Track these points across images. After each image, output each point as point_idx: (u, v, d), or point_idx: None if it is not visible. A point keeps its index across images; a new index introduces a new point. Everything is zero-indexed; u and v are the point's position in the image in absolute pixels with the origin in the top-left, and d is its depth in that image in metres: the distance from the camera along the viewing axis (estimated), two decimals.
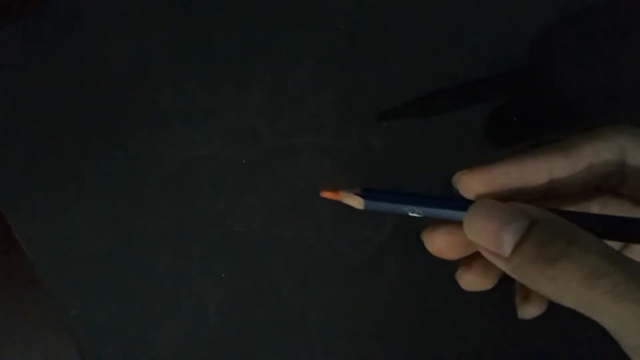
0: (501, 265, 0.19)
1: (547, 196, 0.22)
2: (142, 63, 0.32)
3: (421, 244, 0.31)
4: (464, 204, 0.21)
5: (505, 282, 0.24)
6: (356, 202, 0.23)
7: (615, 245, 0.23)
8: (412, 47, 0.32)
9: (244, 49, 0.32)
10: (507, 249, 0.18)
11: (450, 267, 0.31)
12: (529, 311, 0.25)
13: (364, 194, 0.23)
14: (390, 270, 0.31)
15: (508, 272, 0.19)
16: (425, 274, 0.31)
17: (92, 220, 0.32)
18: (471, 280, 0.24)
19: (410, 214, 0.22)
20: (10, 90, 0.32)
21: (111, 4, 0.32)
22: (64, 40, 0.32)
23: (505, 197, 0.21)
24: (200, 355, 0.31)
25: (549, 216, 0.19)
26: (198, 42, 0.32)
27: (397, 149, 0.31)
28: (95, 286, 0.31)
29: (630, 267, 0.17)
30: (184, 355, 0.31)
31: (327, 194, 0.24)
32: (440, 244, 0.24)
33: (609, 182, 0.22)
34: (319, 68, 0.32)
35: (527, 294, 0.25)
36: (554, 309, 0.23)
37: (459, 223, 0.21)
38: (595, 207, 0.23)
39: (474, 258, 0.24)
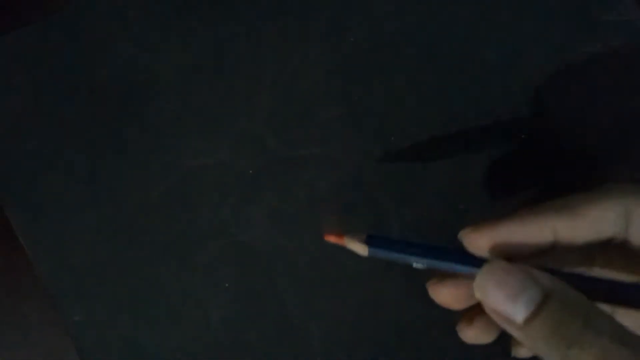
0: (511, 331, 0.19)
1: (552, 250, 0.22)
2: (151, 70, 0.32)
3: None
4: (471, 259, 0.22)
5: None
6: (360, 248, 0.23)
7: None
8: (422, 62, 0.32)
9: (253, 59, 0.32)
10: (519, 319, 0.18)
11: None
12: (522, 352, 0.26)
13: (368, 241, 0.23)
14: (394, 283, 0.31)
15: (517, 338, 0.19)
16: None
17: (96, 227, 0.32)
18: (472, 336, 0.25)
19: (415, 265, 0.22)
20: (17, 95, 0.32)
21: (120, 10, 0.33)
22: (72, 45, 0.32)
23: (511, 253, 0.21)
24: None
25: (562, 289, 0.19)
26: (207, 51, 0.32)
27: (404, 163, 0.32)
28: (99, 293, 0.31)
29: None
30: None
31: (331, 238, 0.24)
32: (446, 296, 0.24)
33: (614, 240, 0.22)
34: (328, 80, 0.32)
35: None
36: None
37: (465, 275, 0.22)
38: (599, 261, 0.24)
39: (476, 312, 0.24)
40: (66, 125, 0.32)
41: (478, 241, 0.22)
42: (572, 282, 0.19)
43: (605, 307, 0.22)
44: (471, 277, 0.21)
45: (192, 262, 0.31)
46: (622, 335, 0.17)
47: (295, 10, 0.32)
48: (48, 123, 0.32)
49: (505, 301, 0.19)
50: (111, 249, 0.31)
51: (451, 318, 0.30)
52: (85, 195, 0.32)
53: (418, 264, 0.22)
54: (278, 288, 0.31)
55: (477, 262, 0.22)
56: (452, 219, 0.31)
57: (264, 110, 0.32)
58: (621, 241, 0.22)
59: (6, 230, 0.32)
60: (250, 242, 0.31)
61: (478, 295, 0.20)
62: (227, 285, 0.31)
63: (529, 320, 0.18)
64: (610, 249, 0.23)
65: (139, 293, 0.31)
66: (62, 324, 0.31)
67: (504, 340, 0.27)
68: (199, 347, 0.31)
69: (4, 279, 0.32)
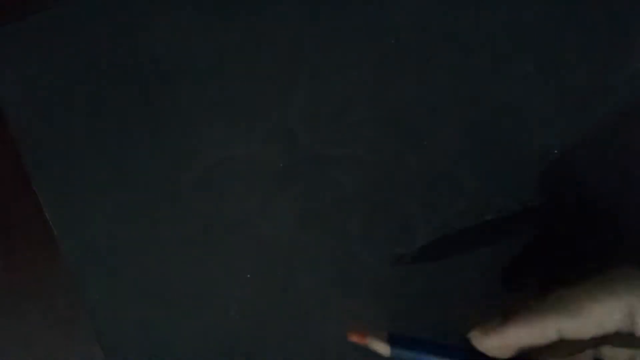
0: None
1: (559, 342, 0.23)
2: (189, 56, 0.32)
3: (449, 261, 0.31)
4: None
5: None
6: (383, 348, 0.24)
7: None
8: (460, 69, 0.32)
9: (292, 53, 0.32)
10: None
11: (482, 286, 0.31)
12: None
13: (391, 342, 0.24)
14: (415, 285, 0.31)
15: None
16: (454, 293, 0.31)
17: (123, 209, 0.32)
18: None
19: None
20: (51, 75, 0.32)
21: None
22: (108, 26, 0.32)
23: (519, 350, 0.23)
24: (219, 355, 0.31)
25: None
26: (247, 41, 0.32)
27: (433, 168, 0.32)
28: (120, 275, 0.31)
29: None
30: (203, 353, 0.31)
31: (354, 338, 0.25)
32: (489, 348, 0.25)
33: (619, 332, 0.23)
34: (365, 80, 0.32)
35: None
36: None
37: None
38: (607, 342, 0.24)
39: None
40: (99, 106, 0.32)
41: (487, 344, 0.24)
42: None
43: None
44: None
45: (215, 252, 0.31)
46: None
47: (338, 9, 0.32)
48: (81, 103, 0.32)
49: None
50: (136, 233, 0.31)
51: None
52: (115, 177, 0.32)
53: None
54: (298, 284, 0.31)
55: None
56: (478, 229, 0.31)
57: (298, 105, 0.32)
58: (627, 333, 0.23)
59: (6, 232, 0.32)
60: (274, 235, 0.32)
61: None
62: (248, 276, 0.31)
63: None
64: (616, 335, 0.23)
65: (159, 279, 0.31)
66: (63, 324, 0.31)
67: None
68: (215, 336, 0.31)
69: (4, 279, 0.32)
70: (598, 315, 0.22)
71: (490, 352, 0.24)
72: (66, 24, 0.33)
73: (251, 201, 0.32)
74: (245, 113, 0.32)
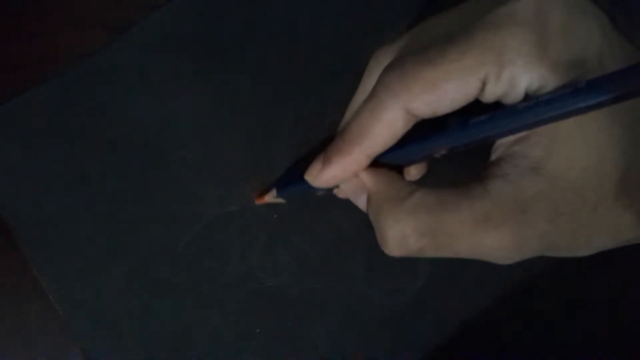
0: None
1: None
2: (170, 122, 0.32)
3: (456, 293, 0.31)
4: None
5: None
6: (273, 198, 0.30)
7: None
8: None
9: (271, 105, 0.32)
10: (364, 210, 0.25)
11: (487, 319, 0.31)
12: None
13: (277, 190, 0.30)
14: (426, 320, 0.31)
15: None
16: (462, 323, 0.31)
17: (124, 280, 0.32)
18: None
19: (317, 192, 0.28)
20: (38, 153, 0.32)
21: (136, 63, 0.33)
22: (90, 102, 0.32)
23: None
24: None
25: (376, 188, 0.24)
26: (226, 100, 0.32)
27: None
28: (130, 345, 0.31)
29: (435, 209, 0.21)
30: None
31: (260, 201, 0.31)
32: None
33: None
34: None
35: None
36: None
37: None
38: None
39: None
40: (88, 179, 0.32)
41: (319, 180, 0.26)
42: (395, 165, 0.25)
43: None
44: None
45: (221, 310, 0.31)
46: (415, 206, 0.22)
47: (312, 53, 0.32)
48: (71, 178, 0.32)
49: (354, 201, 0.26)
50: (139, 301, 0.31)
51: (485, 356, 0.31)
52: (111, 249, 0.32)
53: (318, 191, 0.27)
54: (309, 332, 0.31)
55: None
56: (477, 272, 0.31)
57: (284, 154, 0.32)
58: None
59: (5, 230, 0.31)
60: (279, 286, 0.32)
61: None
62: (258, 331, 0.31)
63: (367, 209, 0.24)
64: None
65: (169, 344, 0.31)
66: (63, 324, 0.31)
67: None
68: None
69: (3, 278, 0.32)
70: (451, 91, 0.20)
71: (329, 185, 0.26)
72: (46, 103, 0.32)
73: (252, 255, 0.32)
74: (234, 170, 0.32)
